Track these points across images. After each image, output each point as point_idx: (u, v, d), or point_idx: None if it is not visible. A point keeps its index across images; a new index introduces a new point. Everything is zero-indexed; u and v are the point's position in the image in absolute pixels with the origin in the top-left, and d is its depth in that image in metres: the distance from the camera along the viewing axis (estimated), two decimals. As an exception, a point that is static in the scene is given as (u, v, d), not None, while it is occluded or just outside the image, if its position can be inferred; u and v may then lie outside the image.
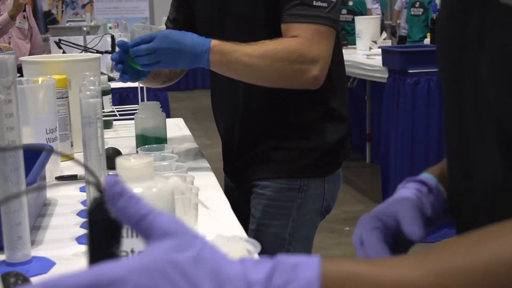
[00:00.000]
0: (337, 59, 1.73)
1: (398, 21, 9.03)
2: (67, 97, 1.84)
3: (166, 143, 1.81)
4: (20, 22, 4.99)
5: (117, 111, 2.55)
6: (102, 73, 2.12)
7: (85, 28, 4.92)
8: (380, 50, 4.58)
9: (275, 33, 1.60)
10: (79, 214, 1.40)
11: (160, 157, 1.46)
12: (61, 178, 1.65)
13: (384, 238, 0.85)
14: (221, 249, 0.56)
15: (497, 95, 0.68)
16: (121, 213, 0.56)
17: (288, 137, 1.71)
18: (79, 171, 1.67)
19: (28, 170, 1.17)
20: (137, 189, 0.85)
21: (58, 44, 3.72)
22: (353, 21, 6.28)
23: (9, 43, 4.98)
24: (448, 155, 0.85)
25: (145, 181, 0.86)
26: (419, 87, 3.92)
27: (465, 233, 0.60)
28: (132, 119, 1.91)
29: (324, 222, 1.85)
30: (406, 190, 0.89)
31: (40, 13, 11.41)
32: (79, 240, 1.22)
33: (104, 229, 0.60)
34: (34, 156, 1.37)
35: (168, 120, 1.94)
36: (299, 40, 1.55)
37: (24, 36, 5.13)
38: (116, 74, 3.67)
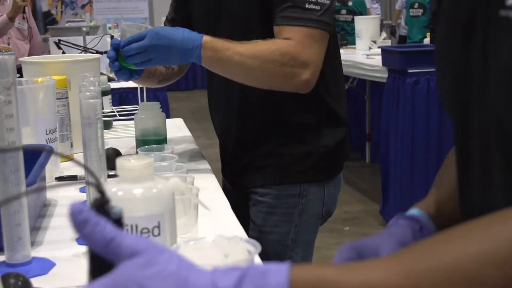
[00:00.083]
0: (334, 61, 1.72)
1: (398, 21, 9.02)
2: (67, 97, 1.84)
3: (166, 143, 1.81)
4: (19, 23, 4.99)
5: (117, 111, 2.55)
6: (101, 74, 2.12)
7: (84, 29, 4.91)
8: (379, 50, 4.58)
9: (270, 32, 1.59)
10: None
11: (160, 158, 1.46)
12: (61, 179, 1.65)
13: None
14: (191, 258, 0.57)
15: (500, 102, 0.69)
16: (88, 240, 0.57)
17: (285, 141, 1.69)
18: (79, 171, 1.66)
19: (28, 171, 1.17)
20: (137, 189, 0.85)
21: (57, 44, 3.72)
22: (352, 21, 6.28)
23: (8, 44, 4.98)
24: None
25: (145, 181, 0.86)
26: (418, 87, 3.92)
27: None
28: (132, 119, 1.91)
29: (324, 221, 1.85)
30: (398, 229, 0.89)
31: (40, 14, 11.41)
32: (79, 240, 1.22)
33: None
34: (34, 157, 1.37)
35: (168, 120, 1.94)
36: (291, 42, 1.54)
37: (23, 36, 5.12)
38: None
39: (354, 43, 5.80)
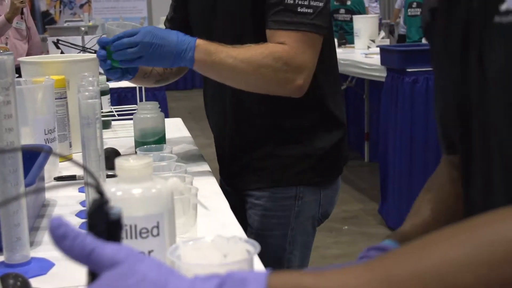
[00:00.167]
0: (330, 62, 1.71)
1: (397, 20, 9.02)
2: (65, 97, 1.84)
3: (165, 143, 1.81)
4: (17, 23, 4.99)
5: (116, 111, 2.55)
6: (100, 73, 2.11)
7: (83, 28, 4.92)
8: (378, 49, 4.58)
9: (263, 34, 1.58)
10: (78, 214, 1.40)
11: (159, 158, 1.46)
12: (59, 179, 1.65)
13: None
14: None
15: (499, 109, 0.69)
16: (68, 253, 0.58)
17: (280, 143, 1.68)
18: (78, 171, 1.66)
19: (26, 171, 1.17)
20: (136, 189, 0.85)
21: (56, 44, 3.72)
22: (351, 20, 6.27)
23: (6, 44, 4.97)
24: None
25: (144, 181, 0.86)
26: (417, 86, 3.92)
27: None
28: (131, 119, 1.91)
29: (322, 221, 1.84)
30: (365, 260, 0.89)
31: (38, 13, 11.40)
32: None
33: (104, 230, 0.60)
34: (33, 157, 1.37)
35: (166, 120, 1.94)
36: (284, 47, 1.53)
37: (21, 36, 5.12)
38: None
39: (352, 42, 5.80)
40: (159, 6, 10.46)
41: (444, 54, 0.82)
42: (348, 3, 7.20)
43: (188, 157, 1.87)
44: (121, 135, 2.24)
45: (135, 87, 2.87)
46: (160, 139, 1.81)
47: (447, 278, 0.55)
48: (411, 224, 0.98)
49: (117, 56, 1.51)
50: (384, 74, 4.27)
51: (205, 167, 1.77)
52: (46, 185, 1.54)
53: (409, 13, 7.68)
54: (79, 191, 1.55)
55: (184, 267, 0.73)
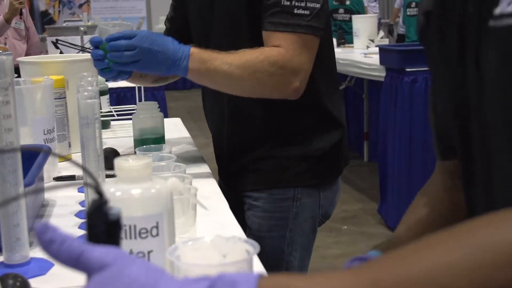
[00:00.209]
0: (329, 63, 1.70)
1: (396, 20, 9.01)
2: (64, 97, 1.84)
3: (164, 143, 1.81)
4: (16, 23, 4.98)
5: (115, 111, 2.54)
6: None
7: (82, 28, 4.91)
8: (377, 48, 4.58)
9: (259, 35, 1.57)
10: (77, 215, 1.40)
11: (158, 158, 1.46)
12: (59, 179, 1.65)
13: None
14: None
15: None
16: (56, 258, 0.58)
17: (278, 144, 1.67)
18: (77, 171, 1.66)
19: (26, 171, 1.17)
20: (135, 190, 0.85)
21: (55, 44, 3.71)
22: (350, 20, 6.27)
23: (5, 44, 4.97)
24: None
25: (144, 182, 0.86)
26: (416, 86, 3.92)
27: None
28: (130, 119, 1.91)
29: (322, 221, 1.84)
30: None
31: (37, 13, 11.39)
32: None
33: (103, 230, 0.60)
34: (32, 157, 1.37)
35: (166, 120, 1.94)
36: (280, 50, 1.52)
37: (20, 36, 5.12)
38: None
39: (352, 42, 5.80)
40: (158, 6, 10.46)
41: (441, 58, 0.82)
42: (347, 2, 7.20)
43: (187, 157, 1.87)
44: (120, 135, 2.24)
45: (134, 87, 2.86)
46: (159, 139, 1.81)
47: (439, 282, 0.54)
48: (398, 232, 0.98)
49: (113, 57, 1.49)
50: (383, 74, 4.27)
51: (204, 167, 1.77)
52: (46, 185, 1.54)
53: (408, 13, 7.68)
54: (78, 191, 1.55)
55: (183, 267, 0.73)
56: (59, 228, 0.59)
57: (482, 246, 0.55)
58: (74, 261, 0.57)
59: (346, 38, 6.13)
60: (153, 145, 1.64)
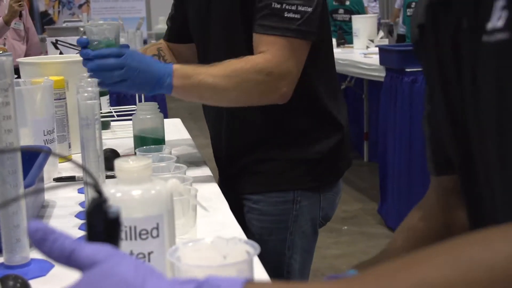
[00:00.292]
0: (328, 65, 1.70)
1: (397, 20, 9.01)
2: (64, 98, 1.84)
3: (164, 143, 1.80)
4: (15, 23, 4.98)
5: (115, 112, 2.54)
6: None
7: (82, 29, 4.90)
8: (377, 49, 4.58)
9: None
10: (78, 215, 1.40)
11: (159, 158, 1.46)
12: (59, 180, 1.65)
13: None
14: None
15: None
16: (49, 255, 0.58)
17: (276, 146, 1.66)
18: (77, 172, 1.66)
19: (26, 172, 1.16)
20: (135, 191, 0.85)
21: (55, 44, 3.72)
22: (350, 20, 6.27)
23: (4, 44, 4.97)
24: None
25: (144, 183, 0.85)
26: (416, 86, 3.92)
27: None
28: (130, 120, 1.91)
29: (322, 221, 1.84)
30: None
31: (37, 14, 11.39)
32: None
33: (103, 229, 0.60)
34: (32, 158, 1.37)
35: (166, 120, 1.94)
36: (266, 56, 1.51)
37: (19, 37, 5.11)
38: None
39: (351, 42, 5.80)
40: (157, 6, 10.45)
41: (437, 70, 0.81)
42: (347, 3, 7.20)
43: (188, 158, 1.87)
44: (120, 135, 2.24)
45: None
46: (159, 140, 1.81)
47: None
48: (401, 241, 0.97)
49: (102, 77, 1.46)
50: (383, 74, 4.27)
51: (204, 167, 1.77)
52: (46, 186, 1.54)
53: (408, 13, 7.67)
54: (78, 192, 1.55)
55: (183, 268, 0.73)
56: (51, 227, 0.59)
57: (472, 262, 0.53)
58: (66, 259, 0.58)
59: (346, 38, 6.13)
60: (153, 146, 1.64)
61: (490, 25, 0.66)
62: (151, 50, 1.92)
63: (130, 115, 2.00)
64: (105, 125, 2.31)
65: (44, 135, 1.69)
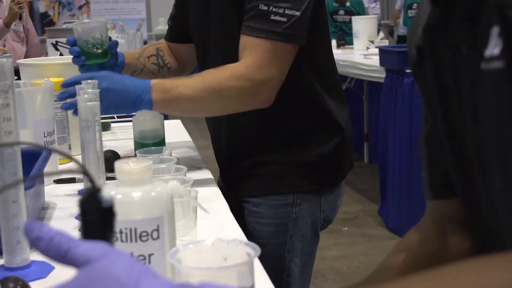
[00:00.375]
0: (328, 66, 1.69)
1: (397, 21, 9.01)
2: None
3: (165, 145, 1.80)
4: (15, 25, 4.98)
5: (115, 113, 2.54)
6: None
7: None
8: (377, 50, 4.58)
9: None
10: (78, 217, 1.40)
11: (159, 160, 1.46)
12: (59, 181, 1.65)
13: None
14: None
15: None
16: (45, 254, 0.59)
17: (275, 149, 1.65)
18: (78, 174, 1.66)
19: (26, 173, 1.16)
20: (136, 193, 0.85)
21: (55, 46, 3.72)
22: (350, 21, 6.28)
23: (4, 46, 4.97)
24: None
25: (144, 185, 0.85)
26: (416, 87, 3.92)
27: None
28: (130, 121, 1.91)
29: (322, 223, 1.83)
30: None
31: (37, 15, 11.39)
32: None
33: (97, 218, 0.60)
34: (32, 159, 1.36)
35: (166, 122, 1.94)
36: (246, 62, 1.50)
37: (19, 38, 5.12)
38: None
39: (352, 43, 5.80)
40: (158, 8, 10.46)
41: (438, 95, 0.80)
42: (347, 4, 7.20)
43: (188, 159, 1.87)
44: (120, 137, 2.24)
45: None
46: (160, 141, 1.81)
47: None
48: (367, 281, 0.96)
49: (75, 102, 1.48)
50: (383, 75, 4.27)
51: (205, 169, 1.77)
52: (46, 187, 1.54)
53: (409, 15, 7.66)
54: (78, 194, 1.55)
55: (184, 270, 0.73)
56: (48, 226, 0.59)
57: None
58: (62, 257, 0.58)
59: (347, 39, 6.14)
60: (154, 148, 1.64)
61: (487, 52, 0.65)
62: (149, 50, 1.92)
63: (131, 116, 1.99)
64: (106, 127, 2.31)
65: (44, 137, 1.69)
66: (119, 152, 1.79)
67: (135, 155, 1.63)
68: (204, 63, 1.73)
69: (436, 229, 0.94)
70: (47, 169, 1.44)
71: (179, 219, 1.12)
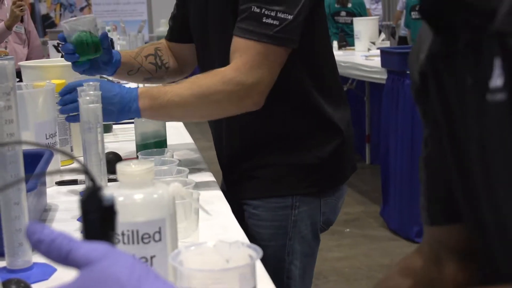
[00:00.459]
0: (327, 68, 1.68)
1: (398, 22, 9.01)
2: (66, 101, 1.84)
3: (166, 146, 1.81)
4: (17, 27, 4.99)
5: (117, 115, 2.54)
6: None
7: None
8: (378, 51, 4.58)
9: None
10: (80, 219, 1.39)
11: (160, 162, 1.46)
12: (61, 183, 1.65)
13: None
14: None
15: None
16: (47, 257, 0.59)
17: (275, 152, 1.65)
18: (79, 176, 1.66)
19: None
20: (137, 195, 0.85)
21: (56, 48, 3.72)
22: (352, 22, 6.28)
23: (6, 48, 4.98)
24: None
25: (146, 187, 0.85)
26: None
27: None
28: (132, 123, 1.91)
29: (324, 224, 1.83)
30: None
31: (38, 17, 11.41)
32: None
33: (98, 217, 0.60)
34: (34, 162, 1.37)
35: (167, 123, 1.94)
36: (236, 66, 1.50)
37: (21, 40, 5.12)
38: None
39: (353, 45, 5.80)
40: (159, 9, 10.47)
41: (443, 121, 0.79)
42: (349, 5, 7.20)
43: (190, 161, 1.87)
44: (122, 139, 2.24)
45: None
46: (161, 143, 1.81)
47: None
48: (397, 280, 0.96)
49: (63, 111, 1.52)
50: (385, 76, 4.27)
51: (206, 171, 1.77)
52: (48, 189, 1.54)
53: (413, 16, 7.65)
54: (80, 195, 1.55)
55: (186, 272, 0.73)
56: (49, 228, 0.59)
57: None
58: (64, 259, 0.58)
59: (348, 40, 6.14)
60: (155, 149, 1.64)
61: (492, 83, 0.65)
62: (148, 49, 1.92)
63: (132, 118, 1.99)
64: (107, 128, 2.31)
65: (46, 139, 1.69)
66: (121, 154, 1.79)
67: (137, 157, 1.63)
68: (204, 64, 1.73)
69: (433, 257, 0.93)
70: (49, 171, 1.44)
71: (181, 221, 1.12)
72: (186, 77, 1.99)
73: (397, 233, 4.10)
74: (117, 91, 1.50)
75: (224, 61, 1.56)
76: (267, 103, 1.56)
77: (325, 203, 1.69)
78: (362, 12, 7.26)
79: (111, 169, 1.21)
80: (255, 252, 0.75)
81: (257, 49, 1.50)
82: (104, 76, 1.68)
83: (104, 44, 1.71)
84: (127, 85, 1.63)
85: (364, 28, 5.61)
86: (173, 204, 0.88)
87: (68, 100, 1.51)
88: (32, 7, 11.10)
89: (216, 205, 1.46)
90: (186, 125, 2.45)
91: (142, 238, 0.84)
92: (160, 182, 0.89)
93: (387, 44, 5.76)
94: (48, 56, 4.62)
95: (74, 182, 1.65)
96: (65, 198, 1.54)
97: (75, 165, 1.84)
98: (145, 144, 1.80)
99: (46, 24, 11.46)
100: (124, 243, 0.84)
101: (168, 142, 1.87)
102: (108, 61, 1.75)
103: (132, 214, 0.84)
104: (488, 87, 0.65)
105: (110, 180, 1.37)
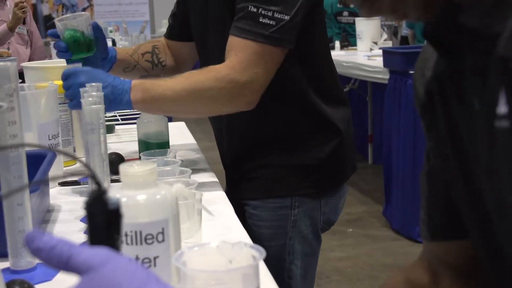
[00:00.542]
0: (326, 69, 1.68)
1: (400, 22, 8.99)
2: (69, 102, 1.84)
3: (169, 147, 1.81)
4: (19, 28, 4.99)
5: (119, 115, 2.55)
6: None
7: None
8: (381, 51, 4.58)
9: None
10: (83, 220, 1.40)
11: (163, 162, 1.46)
12: (64, 184, 1.65)
13: None
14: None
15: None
16: (48, 263, 0.59)
17: (274, 152, 1.65)
18: (80, 175, 1.66)
19: (31, 176, 1.17)
20: (140, 196, 0.85)
21: (59, 48, 3.71)
22: (354, 22, 6.28)
23: (8, 49, 4.98)
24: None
25: (149, 187, 0.86)
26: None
27: None
28: (134, 123, 1.91)
29: (327, 224, 1.83)
30: None
31: (41, 18, 11.41)
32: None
33: (103, 220, 0.60)
34: (37, 162, 1.37)
35: (170, 124, 1.94)
36: (230, 64, 1.50)
37: (23, 41, 5.13)
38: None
39: (355, 45, 5.80)
40: (161, 10, 10.47)
41: (450, 141, 0.79)
42: (351, 5, 7.19)
43: (192, 162, 1.87)
44: (124, 139, 2.24)
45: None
46: (164, 143, 1.81)
47: None
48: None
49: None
50: (387, 76, 4.27)
51: (209, 171, 1.77)
52: (51, 190, 1.54)
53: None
54: (83, 196, 1.56)
55: (189, 273, 0.73)
56: (49, 234, 0.59)
57: None
58: (65, 265, 0.58)
59: (351, 40, 6.13)
60: (158, 150, 1.64)
61: (499, 110, 0.64)
62: (145, 47, 1.92)
63: (135, 118, 2.00)
64: (110, 129, 2.31)
65: (49, 140, 1.69)
66: (123, 154, 1.80)
67: (139, 158, 1.63)
68: (205, 62, 1.73)
69: (430, 271, 0.93)
70: (52, 171, 1.45)
71: (184, 222, 1.12)
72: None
73: (400, 233, 4.10)
74: (108, 81, 1.49)
75: (224, 59, 1.56)
76: (266, 103, 1.56)
77: (326, 203, 1.69)
78: (364, 12, 7.24)
79: (114, 170, 1.21)
80: (258, 253, 0.75)
81: (253, 49, 1.50)
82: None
83: (99, 39, 1.72)
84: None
85: (366, 28, 5.60)
86: (176, 204, 0.88)
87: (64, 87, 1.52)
88: (34, 8, 11.11)
89: (218, 206, 1.46)
90: (188, 125, 2.45)
91: (145, 239, 0.84)
92: (163, 183, 0.89)
93: (389, 44, 5.75)
94: (50, 57, 4.62)
95: (76, 182, 1.65)
96: (68, 199, 1.54)
97: (78, 165, 1.84)
98: (147, 144, 1.80)
99: (48, 25, 11.46)
100: (127, 243, 0.84)
101: (171, 143, 1.87)
102: (103, 57, 1.75)
103: (135, 215, 0.84)
104: (496, 114, 0.64)
105: (113, 181, 1.38)
